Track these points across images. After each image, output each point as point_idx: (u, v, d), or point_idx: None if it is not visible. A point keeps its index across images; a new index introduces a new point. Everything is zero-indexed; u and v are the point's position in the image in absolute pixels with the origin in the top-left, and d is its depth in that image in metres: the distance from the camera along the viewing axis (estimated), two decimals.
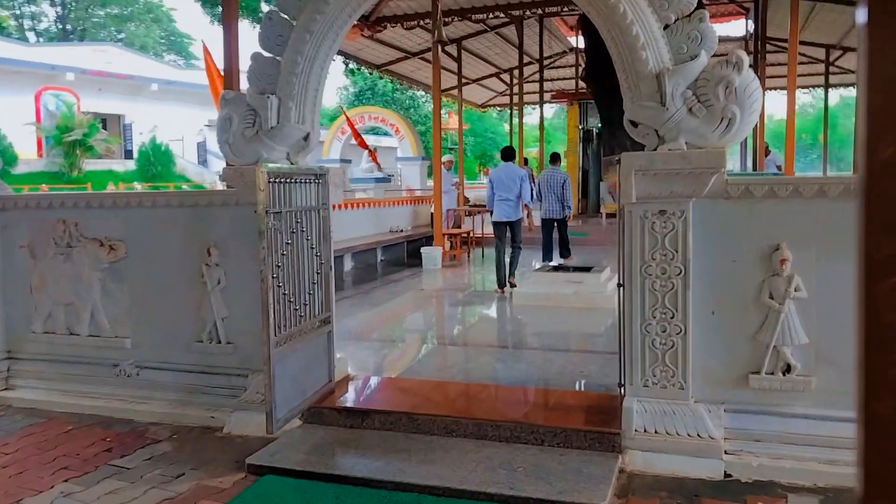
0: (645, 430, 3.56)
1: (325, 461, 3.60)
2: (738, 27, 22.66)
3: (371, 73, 21.47)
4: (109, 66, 27.23)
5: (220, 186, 5.25)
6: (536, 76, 22.13)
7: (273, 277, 3.71)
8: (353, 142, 14.05)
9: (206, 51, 7.80)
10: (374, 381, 4.62)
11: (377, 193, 11.47)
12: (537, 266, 8.56)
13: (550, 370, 4.71)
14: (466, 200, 20.75)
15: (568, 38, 20.62)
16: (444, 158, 12.25)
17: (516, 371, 4.76)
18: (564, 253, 10.32)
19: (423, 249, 10.43)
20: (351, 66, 17.35)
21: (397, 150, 14.49)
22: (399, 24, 13.65)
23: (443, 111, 35.53)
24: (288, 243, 3.92)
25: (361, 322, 6.63)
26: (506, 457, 3.54)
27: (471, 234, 11.46)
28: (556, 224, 9.61)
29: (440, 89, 10.81)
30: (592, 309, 6.88)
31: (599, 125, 16.14)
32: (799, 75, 20.32)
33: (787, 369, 3.50)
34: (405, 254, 11.46)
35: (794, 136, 14.82)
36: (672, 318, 3.60)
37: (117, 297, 4.76)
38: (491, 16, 13.31)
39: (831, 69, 21.18)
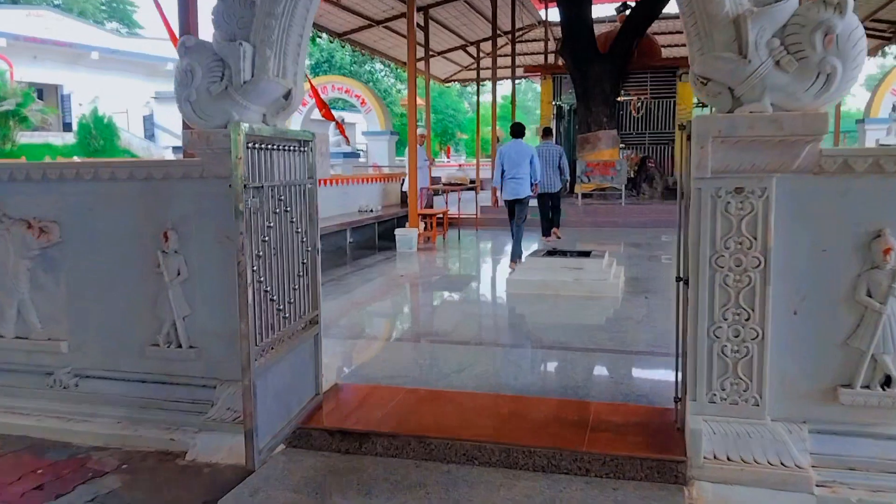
0: (715, 457, 2.92)
1: (320, 502, 2.86)
2: None
3: (332, 42, 20.40)
4: (46, 33, 25.35)
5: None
6: (505, 49, 21.39)
7: (253, 270, 2.92)
8: (316, 115, 13.08)
9: (156, 2, 6.81)
10: (367, 390, 3.87)
11: (345, 170, 10.61)
12: (532, 249, 7.87)
13: (575, 375, 4.04)
14: (434, 180, 19.97)
15: (538, 10, 19.89)
16: (419, 131, 11.45)
17: (535, 376, 4.07)
18: (549, 228, 9.92)
19: (397, 231, 9.65)
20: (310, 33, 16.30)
21: (364, 124, 13.58)
22: None
23: (402, 86, 34.48)
24: (269, 226, 3.13)
25: (340, 315, 5.85)
26: (547, 493, 2.86)
27: (446, 215, 10.72)
28: (550, 198, 9.37)
29: (415, 56, 9.97)
30: (595, 298, 6.24)
31: (574, 101, 15.52)
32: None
33: (887, 382, 2.89)
34: (376, 236, 10.66)
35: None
36: (747, 319, 2.95)
37: (50, 291, 3.89)
38: None
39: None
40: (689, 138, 3.10)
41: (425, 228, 10.79)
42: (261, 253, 3.02)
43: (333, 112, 13.53)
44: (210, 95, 3.38)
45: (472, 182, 12.89)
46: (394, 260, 9.05)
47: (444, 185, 11.34)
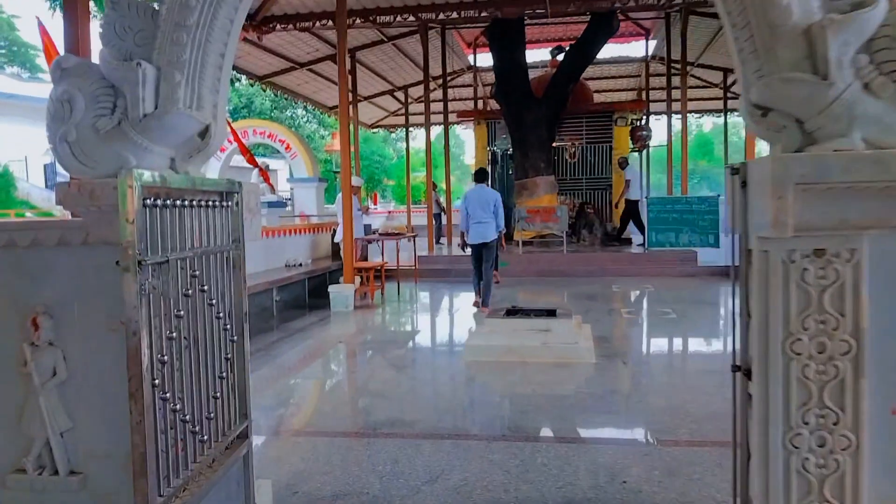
0: None
1: None
2: (637, 48, 22.70)
3: (253, 85, 19.43)
4: None
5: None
6: (435, 95, 20.96)
7: (154, 384, 1.98)
8: (236, 162, 12.05)
9: (42, 30, 5.77)
10: None
11: (270, 221, 9.60)
12: (481, 309, 7.05)
13: (579, 481, 3.21)
14: (366, 228, 19.05)
15: (467, 55, 19.62)
16: (355, 181, 10.59)
17: (530, 486, 3.21)
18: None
19: (331, 288, 8.68)
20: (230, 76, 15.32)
21: (288, 170, 12.61)
22: (291, 25, 11.91)
23: (325, 132, 33.65)
24: (179, 315, 2.20)
25: (272, 399, 4.85)
26: None
27: (383, 268, 9.83)
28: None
29: (347, 99, 9.18)
30: (568, 364, 5.48)
31: (509, 146, 15.07)
32: (693, 99, 20.50)
33: None
34: (306, 293, 9.64)
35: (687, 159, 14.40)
36: (836, 423, 2.22)
37: None
38: (397, 18, 11.85)
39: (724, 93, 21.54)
40: (744, 185, 2.40)
41: (361, 283, 9.86)
42: (166, 356, 2.08)
43: (256, 159, 12.55)
44: (97, 133, 2.45)
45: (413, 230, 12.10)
46: (329, 321, 8.06)
47: (382, 234, 10.46)
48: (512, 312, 6.44)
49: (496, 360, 5.63)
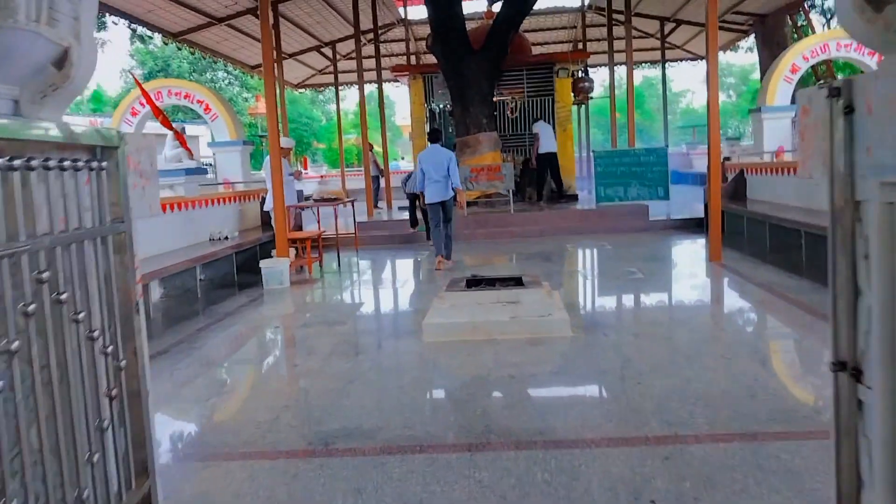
0: None
1: None
2: None
3: (167, 44, 17.80)
4: None
5: None
6: (367, 50, 19.76)
7: None
8: (151, 128, 10.78)
9: None
10: None
11: (189, 190, 8.52)
12: (443, 276, 6.28)
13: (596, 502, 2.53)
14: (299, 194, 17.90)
15: (398, 6, 18.48)
16: (282, 142, 9.56)
17: None
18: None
19: (263, 264, 7.75)
20: (140, 31, 13.81)
21: (209, 134, 11.42)
22: None
23: (249, 95, 31.83)
24: (12, 351, 1.35)
25: (195, 410, 3.99)
26: None
27: (321, 238, 8.92)
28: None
29: (272, 56, 8.13)
30: (543, 341, 4.82)
31: (450, 102, 14.19)
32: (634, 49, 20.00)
33: None
34: (234, 269, 8.64)
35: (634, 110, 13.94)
36: None
37: None
38: None
39: (657, 44, 21.14)
40: (849, 110, 1.70)
41: (297, 255, 8.95)
42: None
43: (178, 123, 11.32)
44: None
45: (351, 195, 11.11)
46: (262, 301, 7.16)
47: (317, 199, 9.52)
48: (473, 283, 5.72)
49: (461, 340, 4.91)
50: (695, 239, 10.01)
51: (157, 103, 11.25)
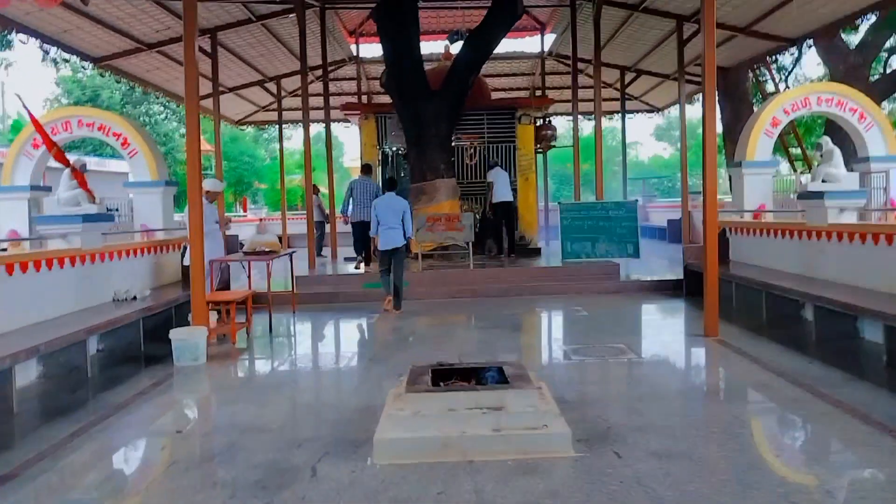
0: None
1: None
2: (533, 44, 21.43)
3: (102, 74, 16.20)
4: None
5: None
6: (313, 88, 18.56)
7: None
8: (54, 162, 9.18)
9: None
10: None
11: (88, 241, 6.98)
12: (406, 372, 4.90)
13: None
14: (230, 241, 16.30)
15: (349, 44, 17.40)
16: (208, 185, 8.15)
17: None
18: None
19: (173, 335, 6.25)
20: (54, 55, 12.25)
21: (128, 173, 9.90)
22: None
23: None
24: None
25: None
26: None
27: (250, 299, 7.47)
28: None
29: (196, 77, 6.81)
30: (534, 465, 3.54)
31: (405, 145, 13.03)
32: (585, 100, 19.38)
33: None
34: (142, 338, 7.07)
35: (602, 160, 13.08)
36: None
37: None
38: None
39: (615, 94, 20.63)
40: None
41: (219, 321, 7.48)
42: None
43: (86, 161, 9.79)
44: None
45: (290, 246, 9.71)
46: (167, 387, 5.64)
47: (247, 252, 8.10)
48: (441, 375, 4.40)
49: (427, 463, 3.58)
50: (675, 304, 8.97)
51: (65, 136, 9.69)
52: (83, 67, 23.14)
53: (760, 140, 10.00)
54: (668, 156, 49.29)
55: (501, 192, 12.06)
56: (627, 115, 20.86)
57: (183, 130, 30.64)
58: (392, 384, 4.70)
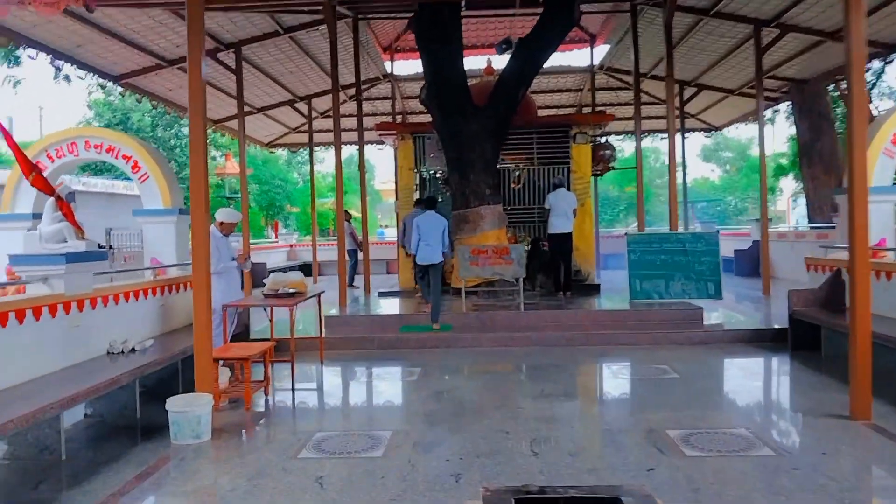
0: None
1: None
2: (580, 57, 20.11)
3: (115, 92, 15.38)
4: None
5: None
6: (345, 108, 17.48)
7: None
8: (80, 183, 8.08)
9: None
10: None
11: (74, 283, 5.76)
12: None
13: None
14: (256, 269, 15.15)
15: (384, 60, 16.29)
16: (222, 215, 6.94)
17: None
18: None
19: (170, 405, 4.97)
20: (67, 71, 11.29)
21: (152, 198, 8.75)
22: None
23: (219, 154, 29.38)
24: None
25: None
26: None
27: (269, 354, 6.19)
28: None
29: (202, 84, 5.62)
30: None
31: (445, 168, 11.77)
32: (645, 117, 17.94)
33: None
34: (137, 402, 5.81)
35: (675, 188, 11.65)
36: None
37: None
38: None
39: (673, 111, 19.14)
40: None
41: (232, 378, 6.23)
42: None
43: (96, 183, 8.64)
44: None
45: (313, 286, 8.50)
46: (158, 478, 4.35)
47: (268, 294, 6.84)
48: None
49: None
50: (783, 363, 7.41)
51: (71, 159, 8.61)
52: (108, 89, 22.56)
53: (879, 161, 8.43)
54: (716, 178, 47.29)
55: (560, 222, 10.63)
56: (685, 135, 19.42)
57: (214, 154, 29.95)
58: (443, 490, 3.33)
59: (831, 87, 16.32)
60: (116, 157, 8.63)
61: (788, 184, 42.23)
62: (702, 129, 20.85)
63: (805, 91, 15.46)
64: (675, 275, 9.99)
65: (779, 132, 46.05)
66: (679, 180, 15.42)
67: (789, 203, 38.42)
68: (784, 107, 19.15)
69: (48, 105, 56.90)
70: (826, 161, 15.91)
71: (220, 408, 5.79)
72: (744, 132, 44.99)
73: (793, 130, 19.10)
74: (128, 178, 16.50)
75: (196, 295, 5.34)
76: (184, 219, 8.72)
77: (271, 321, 7.49)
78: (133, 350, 6.16)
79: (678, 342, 8.43)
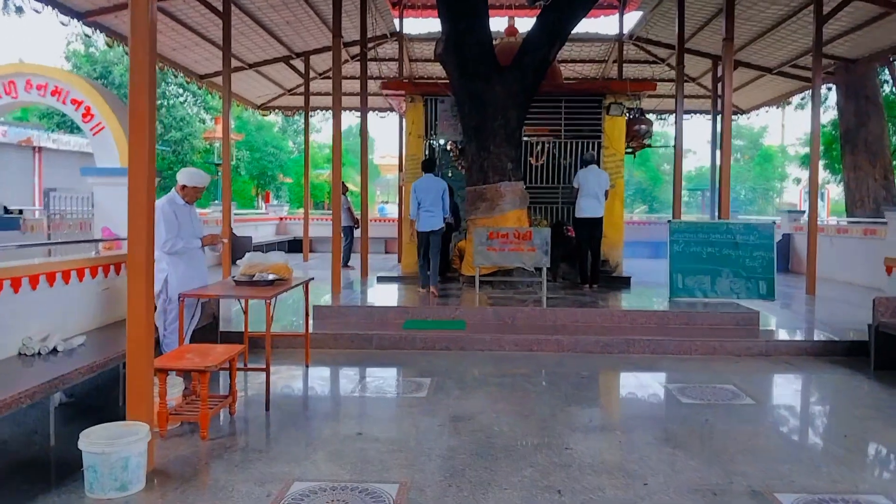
0: None
1: None
2: (608, 25, 18.52)
3: (110, 46, 13.80)
4: None
5: None
6: (349, 69, 15.89)
7: None
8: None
9: None
10: None
11: None
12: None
13: None
14: (245, 243, 13.62)
15: (393, 16, 14.63)
16: (186, 176, 5.45)
17: None
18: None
19: (83, 441, 3.50)
20: (21, 2, 9.67)
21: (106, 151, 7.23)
22: None
23: (208, 117, 27.64)
24: None
25: None
26: None
27: (233, 362, 4.74)
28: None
29: (148, 15, 4.07)
30: None
31: (462, 136, 10.26)
32: (667, 96, 16.38)
33: None
34: (50, 424, 4.33)
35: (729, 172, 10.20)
36: None
37: None
38: None
39: (697, 91, 17.65)
40: None
41: (186, 394, 4.79)
42: None
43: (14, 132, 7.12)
44: None
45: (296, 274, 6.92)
46: None
47: (240, 281, 5.35)
48: None
49: None
50: (871, 384, 6.02)
51: (6, 101, 7.05)
52: (89, 40, 20.70)
53: None
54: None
55: (590, 204, 9.19)
56: (706, 116, 17.92)
57: (204, 116, 28.19)
58: None
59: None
60: (64, 102, 7.08)
61: (796, 172, 40.72)
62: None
63: (851, 72, 13.96)
64: (723, 270, 8.58)
65: (801, 120, 44.10)
66: (665, 166, 13.95)
67: (801, 194, 37.04)
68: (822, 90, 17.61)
69: (23, 56, 54.39)
70: (872, 149, 14.46)
71: (166, 435, 4.33)
72: (756, 121, 43.34)
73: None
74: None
75: (131, 280, 3.86)
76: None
77: (245, 313, 6.02)
78: (55, 350, 4.67)
79: (734, 353, 7.00)
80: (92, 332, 5.33)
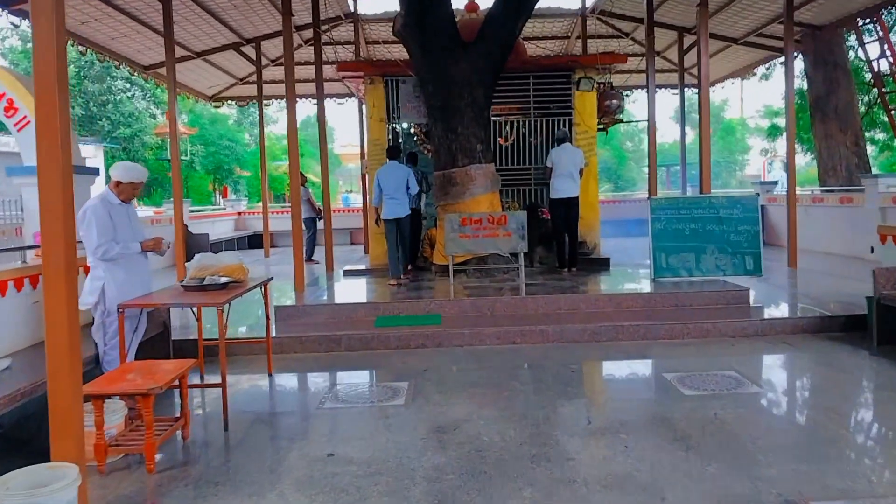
0: None
1: None
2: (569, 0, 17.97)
3: (18, 27, 12.78)
4: None
5: None
6: (303, 54, 15.16)
7: None
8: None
9: None
10: None
11: None
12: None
13: None
14: (200, 240, 12.85)
15: None
16: (120, 171, 4.82)
17: None
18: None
19: (1, 488, 2.91)
20: None
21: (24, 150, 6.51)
22: None
23: (159, 112, 26.53)
24: None
25: None
26: None
27: (185, 381, 4.15)
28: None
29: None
30: None
31: (427, 119, 9.69)
32: (635, 71, 16.03)
33: None
34: None
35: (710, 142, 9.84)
36: None
37: None
38: None
39: (662, 64, 17.30)
40: None
41: (130, 419, 4.20)
42: None
43: None
44: None
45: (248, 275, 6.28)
46: None
47: (189, 286, 4.71)
48: None
49: None
50: (880, 362, 5.69)
51: None
52: (27, 34, 19.52)
53: None
54: (689, 140, 45.92)
55: (564, 184, 8.74)
56: (672, 90, 17.67)
57: (154, 111, 27.05)
58: None
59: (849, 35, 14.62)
60: None
61: (759, 144, 41.03)
62: (692, 85, 19.06)
63: (819, 39, 13.74)
64: (708, 247, 8.21)
65: (761, 92, 44.47)
66: (628, 143, 13.65)
67: (765, 165, 37.33)
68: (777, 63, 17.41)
69: None
70: (843, 117, 14.28)
71: (105, 471, 3.74)
72: (717, 95, 43.50)
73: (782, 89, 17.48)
74: None
75: (48, 293, 3.25)
76: (83, 179, 6.51)
77: (199, 320, 5.42)
78: None
79: (728, 334, 6.62)
80: (21, 352, 4.68)
